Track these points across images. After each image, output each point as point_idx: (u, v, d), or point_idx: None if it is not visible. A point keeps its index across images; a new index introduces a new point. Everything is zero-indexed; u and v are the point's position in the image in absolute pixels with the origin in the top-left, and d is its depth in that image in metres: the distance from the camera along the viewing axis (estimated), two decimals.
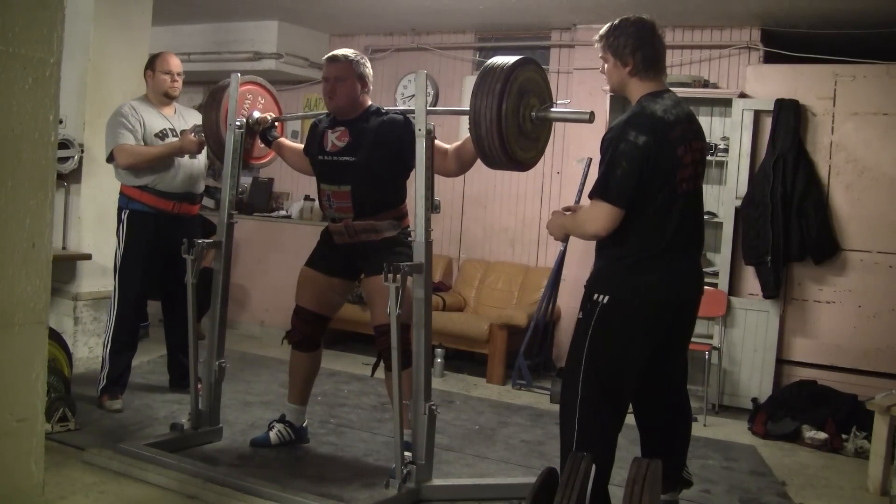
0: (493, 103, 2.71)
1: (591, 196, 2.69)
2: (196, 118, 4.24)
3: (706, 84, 5.27)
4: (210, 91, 3.86)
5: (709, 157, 5.15)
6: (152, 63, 4.17)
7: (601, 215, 2.64)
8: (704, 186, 5.41)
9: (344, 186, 3.38)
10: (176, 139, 4.08)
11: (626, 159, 2.59)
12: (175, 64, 4.16)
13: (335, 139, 3.45)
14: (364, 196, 3.37)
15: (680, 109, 2.75)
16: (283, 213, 6.79)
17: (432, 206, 3.09)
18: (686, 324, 2.90)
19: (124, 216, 4.09)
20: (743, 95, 5.09)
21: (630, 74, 2.76)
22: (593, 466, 2.46)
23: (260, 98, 3.89)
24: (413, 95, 6.17)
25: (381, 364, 3.47)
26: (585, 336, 2.70)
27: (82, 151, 4.61)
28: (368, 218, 3.37)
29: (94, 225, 4.69)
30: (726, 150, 5.09)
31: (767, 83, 5.05)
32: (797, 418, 4.44)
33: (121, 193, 4.14)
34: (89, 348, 4.69)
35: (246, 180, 7.02)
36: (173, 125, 4.15)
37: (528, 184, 6.10)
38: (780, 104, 4.90)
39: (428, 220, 3.06)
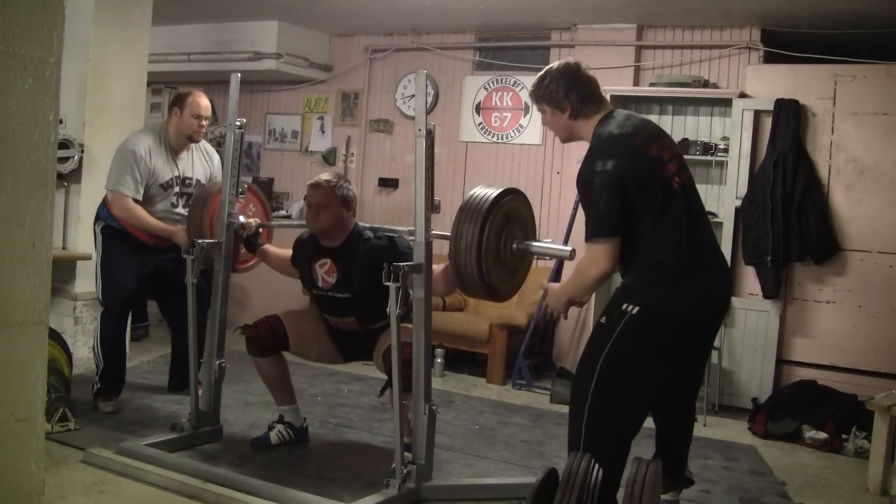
0: (477, 223, 2.80)
1: (586, 240, 2.66)
2: (207, 155, 4.21)
3: (706, 84, 5.27)
4: (200, 188, 3.91)
5: (709, 157, 5.17)
6: (182, 101, 3.98)
7: (601, 254, 2.62)
8: (704, 186, 5.39)
9: (348, 317, 3.55)
10: (177, 189, 4.03)
11: (604, 191, 2.59)
12: (205, 106, 4.01)
13: (324, 274, 3.52)
14: (368, 317, 3.52)
15: (634, 119, 2.77)
16: (283, 213, 6.79)
17: (432, 206, 3.09)
18: (712, 329, 2.89)
19: (98, 229, 4.05)
20: (743, 95, 5.08)
21: (571, 118, 2.80)
22: (598, 468, 2.44)
23: (251, 206, 3.90)
24: (413, 95, 6.20)
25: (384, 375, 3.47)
26: (606, 342, 2.65)
27: (82, 151, 4.61)
28: (377, 325, 3.51)
29: None
30: (726, 150, 5.09)
31: (767, 83, 5.04)
32: (797, 418, 4.44)
33: (102, 203, 4.09)
34: (89, 348, 4.68)
35: (246, 179, 7.02)
36: (181, 171, 4.06)
37: (528, 184, 6.08)
38: (780, 104, 4.89)
39: (428, 220, 3.06)
